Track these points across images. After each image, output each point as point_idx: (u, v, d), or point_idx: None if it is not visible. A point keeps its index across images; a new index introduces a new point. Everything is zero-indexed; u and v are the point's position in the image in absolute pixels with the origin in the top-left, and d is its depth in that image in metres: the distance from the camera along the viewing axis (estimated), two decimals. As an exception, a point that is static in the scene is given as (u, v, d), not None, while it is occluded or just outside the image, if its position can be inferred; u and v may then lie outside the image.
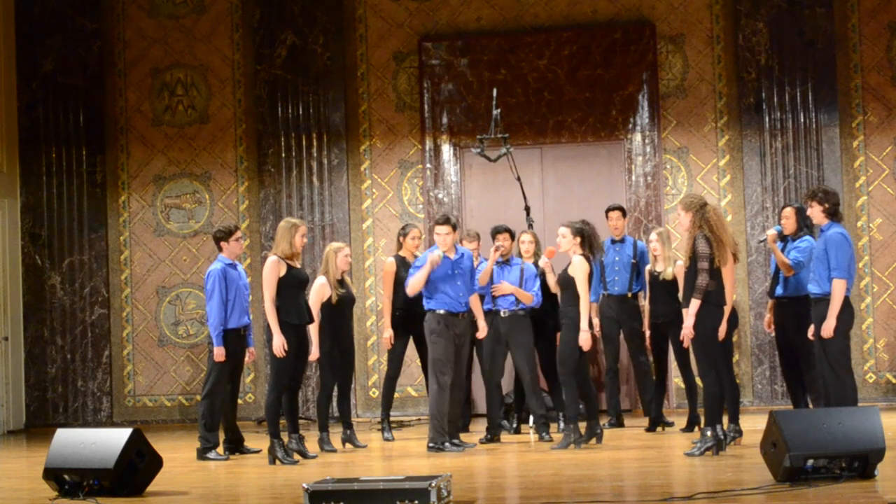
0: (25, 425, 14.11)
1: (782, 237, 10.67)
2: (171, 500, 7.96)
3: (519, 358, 10.91)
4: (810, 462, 7.42)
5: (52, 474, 8.03)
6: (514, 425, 11.75)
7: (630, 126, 13.57)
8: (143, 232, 14.24)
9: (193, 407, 13.78)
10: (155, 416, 14.08)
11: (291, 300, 9.81)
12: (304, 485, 7.13)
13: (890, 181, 13.32)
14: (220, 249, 10.60)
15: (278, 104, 13.95)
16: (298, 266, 9.98)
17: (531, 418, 11.36)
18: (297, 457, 9.96)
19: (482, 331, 10.73)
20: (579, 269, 10.17)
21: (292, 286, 9.84)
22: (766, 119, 13.37)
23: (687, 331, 9.27)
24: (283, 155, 13.94)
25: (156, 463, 8.21)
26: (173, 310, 14.14)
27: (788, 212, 10.75)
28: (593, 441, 10.34)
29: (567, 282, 10.22)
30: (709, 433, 9.27)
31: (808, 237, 10.49)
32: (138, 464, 8.04)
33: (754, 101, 13.42)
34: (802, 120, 13.31)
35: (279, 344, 9.70)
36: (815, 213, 9.56)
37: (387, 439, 11.39)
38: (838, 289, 9.26)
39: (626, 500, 7.39)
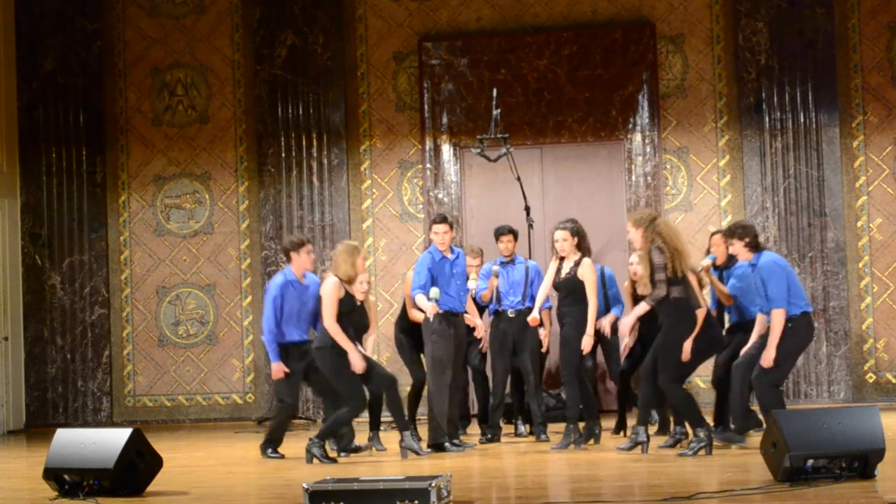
0: (25, 425, 14.11)
1: (715, 266, 10.40)
2: (171, 500, 7.96)
3: (524, 358, 10.89)
4: (810, 462, 7.42)
5: (52, 474, 8.03)
6: (515, 425, 11.72)
7: (630, 126, 13.57)
8: (143, 232, 14.24)
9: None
10: (155, 416, 14.08)
11: (340, 324, 9.81)
12: (304, 485, 7.13)
13: (890, 181, 13.32)
14: (289, 260, 10.28)
15: (278, 104, 13.95)
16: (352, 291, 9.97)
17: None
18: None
19: (479, 329, 10.78)
20: (589, 273, 10.15)
21: (343, 312, 9.86)
22: (766, 119, 13.37)
23: (625, 328, 9.74)
24: (283, 155, 13.94)
25: (156, 463, 8.21)
26: (173, 310, 14.14)
27: (718, 239, 10.58)
28: (591, 441, 10.35)
29: (574, 284, 10.19)
30: (702, 433, 9.34)
31: (742, 263, 10.25)
32: (138, 464, 8.04)
33: (754, 101, 13.42)
34: (802, 120, 13.32)
35: (357, 362, 9.73)
36: (738, 249, 9.63)
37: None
38: (777, 320, 9.33)
39: (626, 500, 7.39)
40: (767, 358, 9.31)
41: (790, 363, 9.60)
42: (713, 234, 10.86)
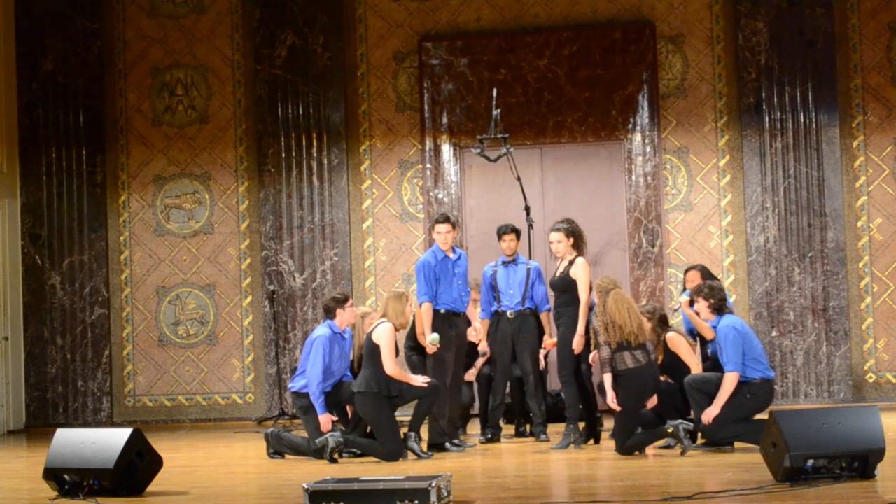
0: (25, 425, 14.11)
1: (692, 303, 10.31)
2: (171, 500, 7.96)
3: (524, 358, 10.88)
4: (810, 462, 7.42)
5: (52, 474, 8.03)
6: (516, 425, 11.72)
7: (630, 126, 13.57)
8: (143, 232, 14.24)
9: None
10: (155, 416, 14.08)
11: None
12: (304, 485, 7.13)
13: (890, 181, 13.33)
14: (333, 316, 10.28)
15: (278, 104, 13.95)
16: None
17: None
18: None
19: (478, 333, 10.81)
20: (582, 272, 10.20)
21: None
22: (766, 119, 13.37)
23: (612, 403, 9.67)
24: (283, 155, 13.94)
25: (156, 463, 8.22)
26: (173, 310, 14.15)
27: (692, 275, 10.78)
28: (591, 441, 10.37)
29: (568, 283, 10.22)
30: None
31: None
32: (138, 464, 8.04)
33: (754, 101, 13.42)
34: (802, 120, 13.32)
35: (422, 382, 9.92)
36: (702, 308, 9.83)
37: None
38: (729, 382, 9.46)
39: (626, 500, 7.39)
40: (709, 415, 9.44)
41: (739, 416, 9.55)
42: (687, 270, 10.99)
